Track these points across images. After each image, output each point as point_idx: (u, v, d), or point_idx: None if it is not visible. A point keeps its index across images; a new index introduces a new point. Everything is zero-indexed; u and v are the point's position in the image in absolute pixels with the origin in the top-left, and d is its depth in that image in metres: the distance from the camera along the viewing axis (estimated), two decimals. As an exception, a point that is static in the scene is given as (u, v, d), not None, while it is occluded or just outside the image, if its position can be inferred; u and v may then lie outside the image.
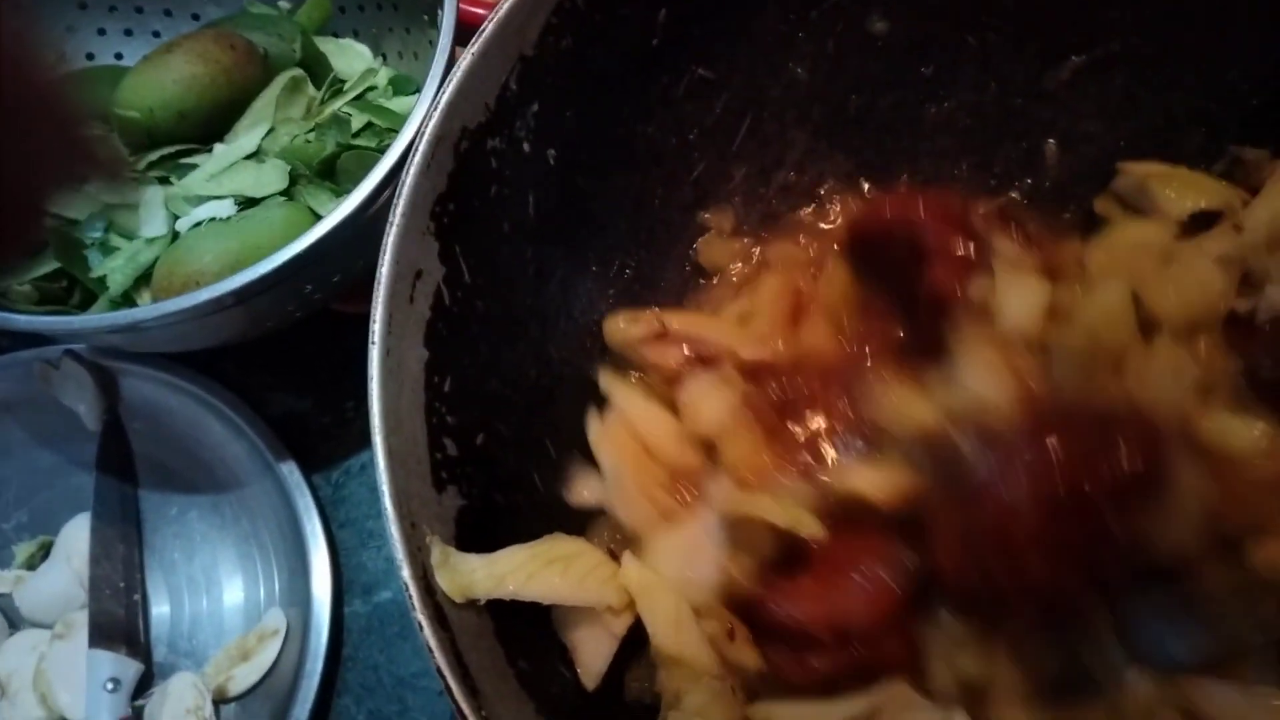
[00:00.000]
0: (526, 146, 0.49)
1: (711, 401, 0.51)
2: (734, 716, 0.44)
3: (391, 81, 0.78)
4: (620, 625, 0.44)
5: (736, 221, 0.61)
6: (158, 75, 0.72)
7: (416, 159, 0.44)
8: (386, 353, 0.42)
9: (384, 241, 0.43)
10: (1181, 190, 0.52)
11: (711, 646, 0.44)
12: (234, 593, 0.74)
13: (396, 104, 0.76)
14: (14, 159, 0.27)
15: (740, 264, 0.60)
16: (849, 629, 0.43)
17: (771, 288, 0.57)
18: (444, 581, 0.39)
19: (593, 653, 0.44)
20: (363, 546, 0.74)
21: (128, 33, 0.82)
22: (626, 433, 0.51)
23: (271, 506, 0.73)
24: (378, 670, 0.71)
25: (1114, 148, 0.57)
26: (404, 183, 0.44)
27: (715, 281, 0.60)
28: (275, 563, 0.73)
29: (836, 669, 0.44)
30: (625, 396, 0.53)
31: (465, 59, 0.45)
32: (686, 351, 0.53)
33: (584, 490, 0.51)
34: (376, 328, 0.42)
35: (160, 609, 0.74)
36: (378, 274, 0.42)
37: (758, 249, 0.60)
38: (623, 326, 0.54)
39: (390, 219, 0.43)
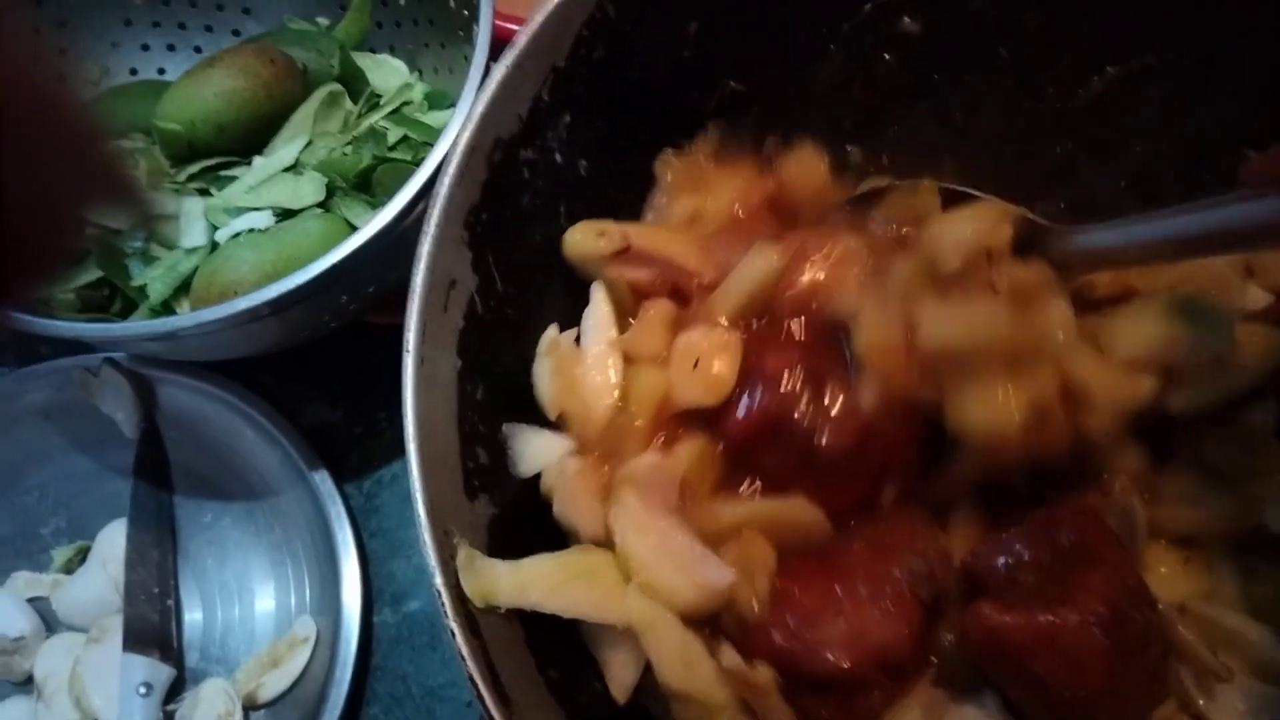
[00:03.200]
0: (559, 157, 0.50)
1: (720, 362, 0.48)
2: None
3: (427, 96, 0.79)
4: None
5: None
6: (199, 89, 0.74)
7: (451, 169, 0.44)
8: (420, 361, 0.42)
9: (418, 250, 0.43)
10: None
11: (748, 697, 0.43)
12: (265, 600, 0.74)
13: (432, 118, 0.77)
14: (39, 185, 0.27)
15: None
16: (897, 660, 0.43)
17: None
18: (467, 585, 0.39)
19: (622, 667, 0.43)
20: (393, 556, 0.74)
21: (170, 48, 0.84)
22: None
23: (304, 515, 0.73)
24: (406, 680, 0.71)
25: (1148, 162, 0.56)
26: (439, 193, 0.44)
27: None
28: (306, 571, 0.74)
29: (887, 701, 0.43)
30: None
31: (499, 70, 0.46)
32: (655, 277, 0.51)
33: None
34: (411, 336, 0.42)
35: (193, 615, 0.74)
36: (411, 283, 0.43)
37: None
38: (580, 239, 0.51)
39: (424, 228, 0.44)
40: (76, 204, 0.29)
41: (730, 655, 0.43)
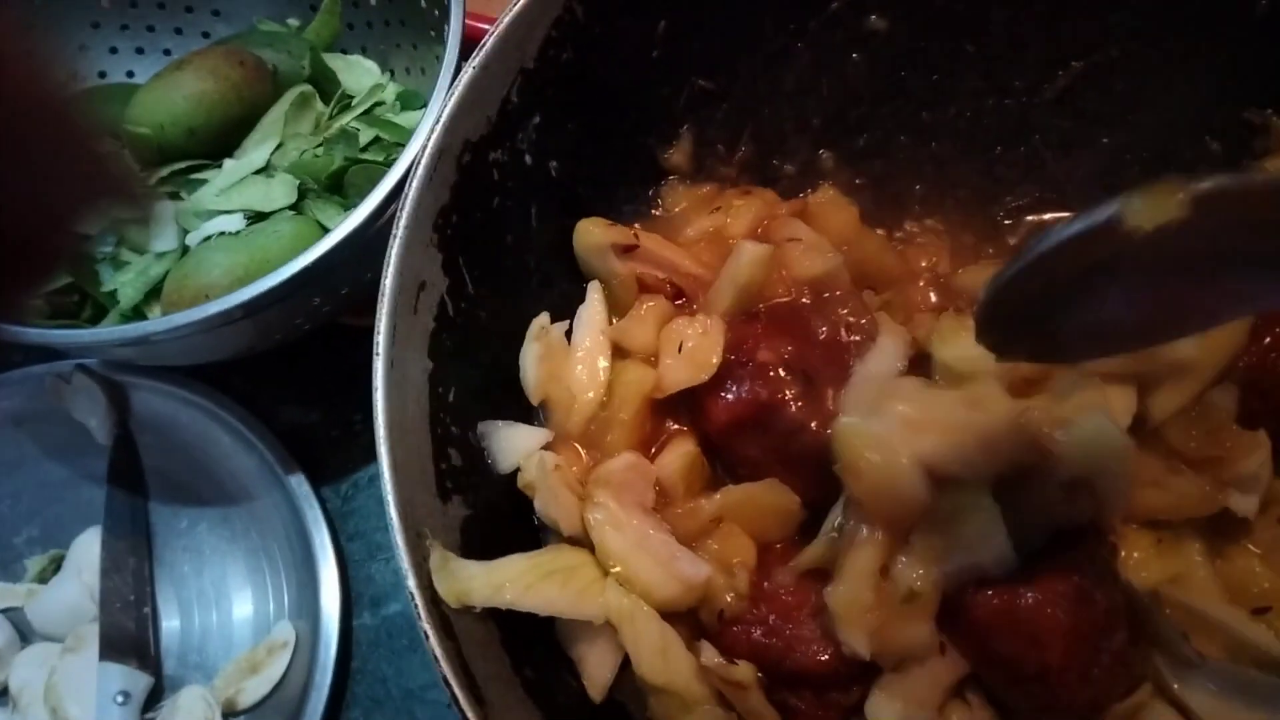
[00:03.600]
0: (528, 158, 0.50)
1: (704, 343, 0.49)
2: None
3: (399, 97, 0.79)
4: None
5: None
6: (168, 92, 0.73)
7: (419, 171, 0.44)
8: (391, 364, 0.42)
9: (388, 253, 0.43)
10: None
11: (736, 699, 0.44)
12: (243, 606, 0.74)
13: (404, 119, 0.76)
14: (34, 182, 0.27)
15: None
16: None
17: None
18: (441, 586, 0.40)
19: (597, 664, 0.44)
20: (371, 559, 0.74)
21: (139, 51, 0.84)
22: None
23: (281, 519, 0.73)
24: (386, 683, 0.71)
25: (1114, 153, 0.57)
26: (407, 195, 0.44)
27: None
28: (284, 575, 0.74)
29: (861, 698, 0.43)
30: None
31: (466, 72, 0.46)
32: (660, 275, 0.53)
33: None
34: (381, 339, 0.42)
35: (170, 622, 0.74)
36: (381, 285, 0.43)
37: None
38: (595, 231, 0.52)
39: (394, 231, 0.44)
40: (74, 202, 0.29)
41: (710, 652, 0.43)
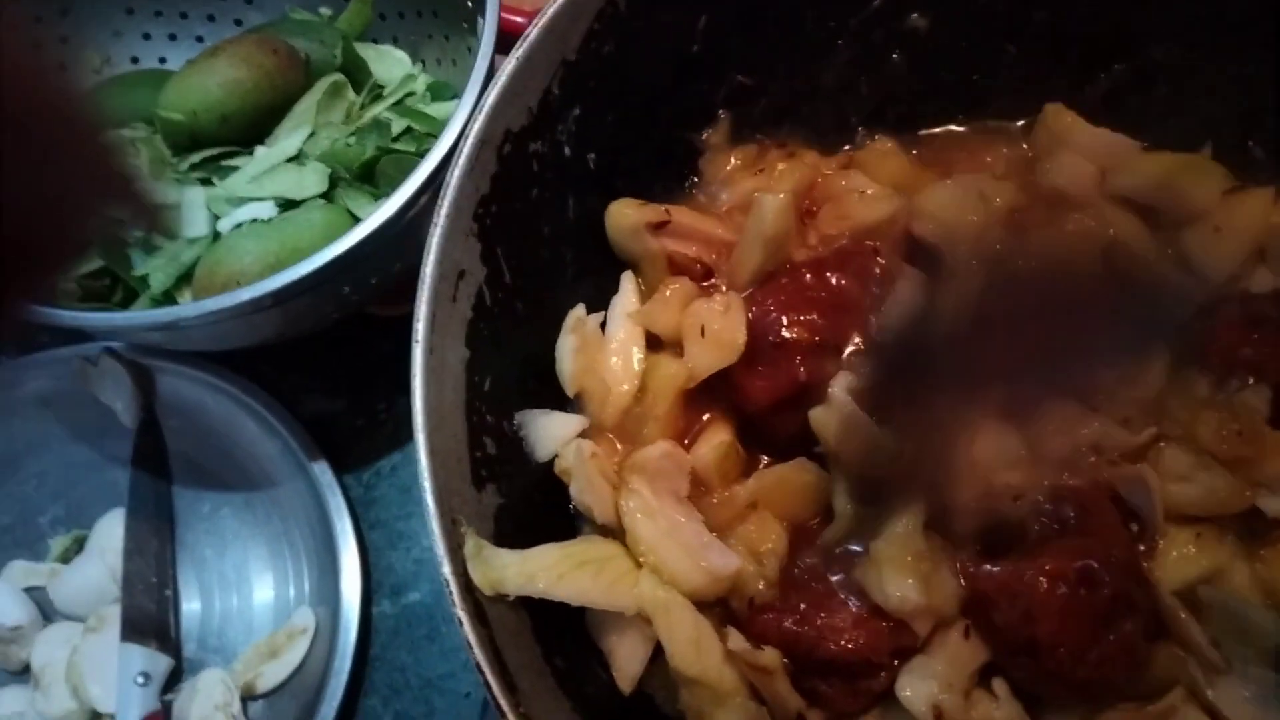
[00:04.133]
0: (568, 150, 0.50)
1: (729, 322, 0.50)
2: None
3: (430, 87, 0.79)
4: (654, 631, 0.43)
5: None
6: (201, 79, 0.73)
7: (461, 161, 0.44)
8: (429, 351, 0.42)
9: (428, 242, 0.43)
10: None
11: (757, 681, 0.44)
12: (264, 591, 0.74)
13: (435, 109, 0.77)
14: (41, 180, 0.27)
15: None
16: (904, 645, 0.44)
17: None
18: (476, 574, 0.40)
19: (628, 656, 0.44)
20: (392, 548, 0.74)
21: (172, 37, 0.84)
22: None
23: (303, 506, 0.73)
24: (405, 671, 0.71)
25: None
26: (448, 184, 0.44)
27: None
28: (305, 562, 0.74)
29: (889, 684, 0.43)
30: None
31: (510, 63, 0.46)
32: (691, 252, 0.53)
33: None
34: (420, 326, 0.42)
35: (191, 605, 0.74)
36: (421, 273, 0.43)
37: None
38: (628, 212, 0.52)
39: (434, 220, 0.44)
40: (83, 203, 0.29)
41: (736, 638, 0.44)
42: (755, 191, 0.53)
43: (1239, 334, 0.49)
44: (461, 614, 0.38)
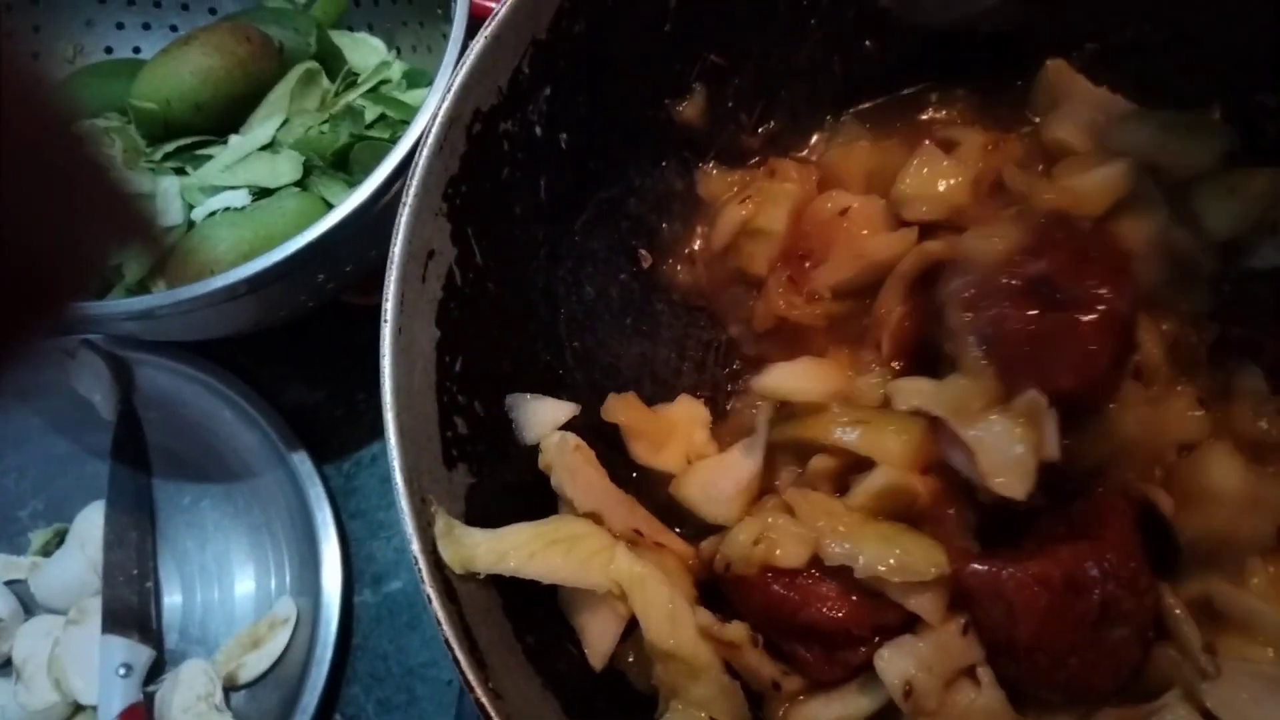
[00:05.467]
0: (539, 130, 0.50)
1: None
2: (739, 711, 0.45)
3: (405, 75, 0.79)
4: (626, 608, 0.43)
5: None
6: (174, 67, 0.73)
7: (430, 140, 0.44)
8: (398, 331, 0.42)
9: (397, 221, 0.43)
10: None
11: (732, 657, 0.44)
12: (245, 581, 0.74)
13: (410, 96, 0.76)
14: (46, 214, 0.27)
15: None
16: (887, 621, 0.44)
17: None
18: (446, 552, 0.40)
19: (599, 633, 0.44)
20: (373, 537, 0.74)
21: (145, 26, 0.83)
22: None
23: (283, 496, 0.73)
24: (387, 659, 0.71)
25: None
26: (417, 163, 0.44)
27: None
28: (286, 552, 0.74)
29: (868, 659, 0.44)
30: None
31: (478, 41, 0.45)
32: None
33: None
34: (389, 306, 0.42)
35: (172, 597, 0.74)
36: (390, 253, 0.43)
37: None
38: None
39: (403, 199, 0.43)
40: (91, 235, 0.29)
41: (704, 614, 0.44)
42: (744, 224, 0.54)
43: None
44: (430, 591, 0.38)
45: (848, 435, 0.47)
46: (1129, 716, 0.44)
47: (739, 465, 0.49)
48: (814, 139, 0.60)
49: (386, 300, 0.42)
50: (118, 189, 0.30)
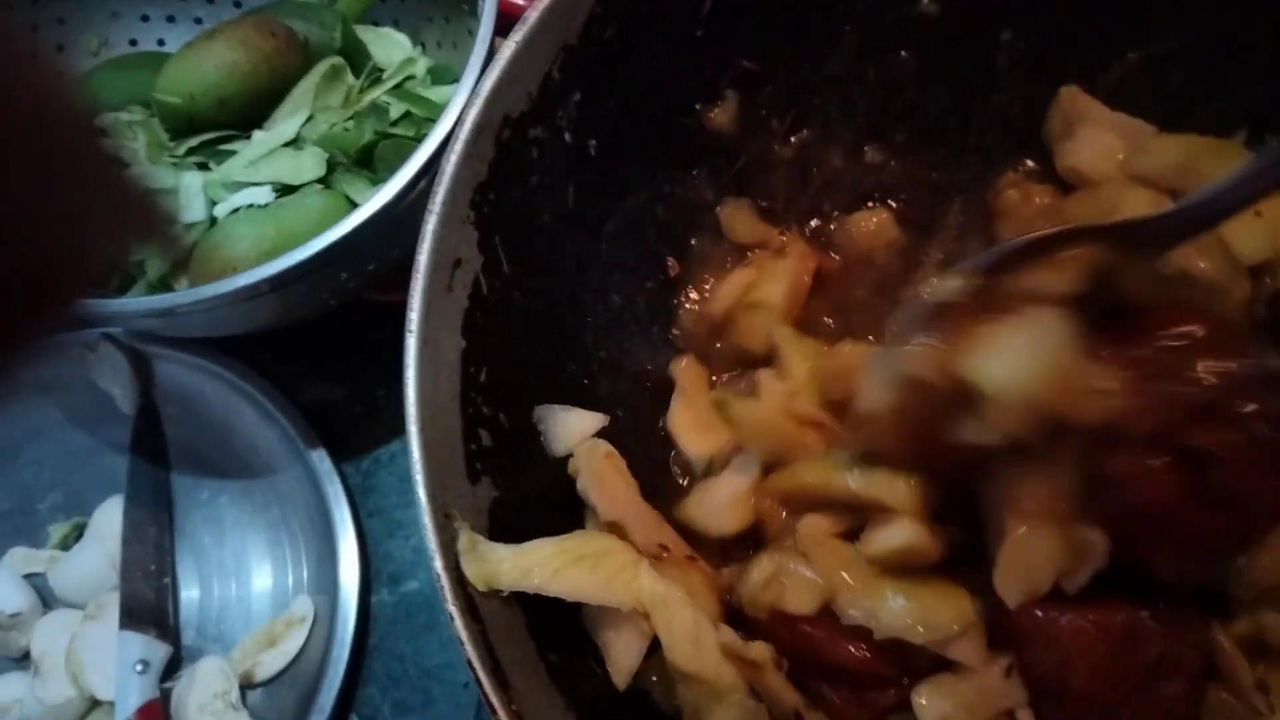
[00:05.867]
0: (568, 136, 0.49)
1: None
2: None
3: (430, 71, 0.78)
4: (650, 627, 0.43)
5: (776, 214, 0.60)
6: (199, 61, 0.72)
7: (458, 146, 0.43)
8: (424, 341, 0.41)
9: (423, 228, 0.42)
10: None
11: (753, 678, 0.43)
12: (262, 579, 0.74)
13: (434, 93, 0.75)
14: (64, 223, 0.27)
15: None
16: (918, 661, 0.43)
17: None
18: (469, 569, 0.39)
19: (623, 652, 0.43)
20: (390, 536, 0.74)
21: (170, 19, 0.83)
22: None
23: (301, 494, 0.73)
24: (403, 660, 0.71)
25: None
26: (445, 170, 0.43)
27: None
28: (304, 550, 0.74)
29: (897, 701, 0.43)
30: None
31: (509, 46, 0.45)
32: None
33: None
34: (414, 316, 0.41)
35: (189, 593, 0.74)
36: (415, 261, 0.42)
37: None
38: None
39: (430, 206, 0.43)
40: (97, 237, 0.29)
41: (727, 632, 0.43)
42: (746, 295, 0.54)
43: None
44: (454, 610, 0.37)
45: (854, 481, 0.44)
46: None
47: (733, 481, 0.49)
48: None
49: (412, 310, 0.41)
50: (131, 186, 0.29)
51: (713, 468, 0.52)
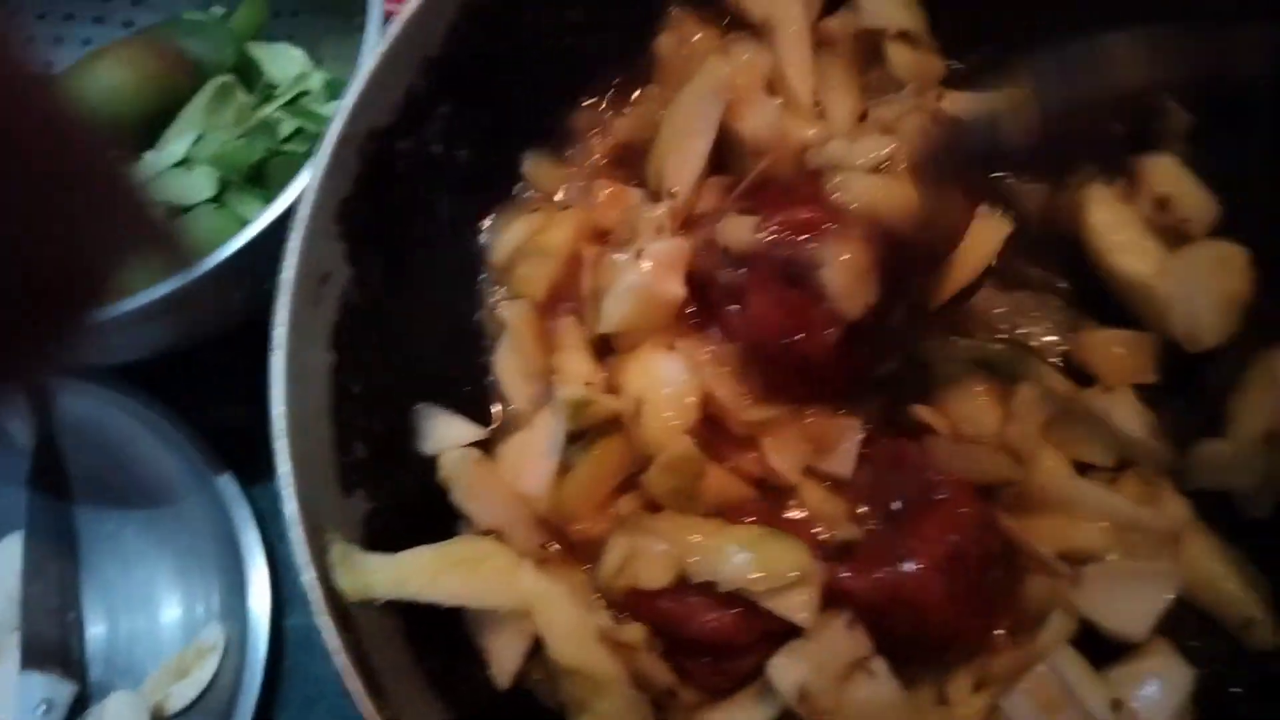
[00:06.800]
0: (437, 147, 0.49)
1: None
2: None
3: (327, 85, 0.77)
4: (532, 626, 0.43)
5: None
6: (85, 83, 0.71)
7: (321, 162, 0.44)
8: (290, 357, 0.42)
9: (287, 244, 0.43)
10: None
11: (623, 658, 0.44)
12: (171, 609, 0.73)
13: (329, 108, 0.75)
14: (78, 239, 0.27)
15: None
16: (772, 628, 0.44)
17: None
18: (342, 581, 0.39)
19: (505, 653, 0.44)
20: (303, 558, 0.73)
21: (58, 40, 0.81)
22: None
23: (209, 520, 0.72)
24: (319, 683, 0.70)
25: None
26: (309, 186, 0.43)
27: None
28: (213, 577, 0.72)
29: (756, 666, 0.44)
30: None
31: (369, 61, 0.45)
32: None
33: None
34: (279, 331, 0.42)
35: (96, 628, 0.72)
36: (280, 277, 0.42)
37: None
38: None
39: (293, 222, 0.43)
40: (115, 248, 0.28)
41: (602, 616, 0.44)
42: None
43: None
44: (325, 621, 0.37)
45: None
46: (1023, 648, 0.47)
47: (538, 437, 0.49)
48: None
49: (277, 326, 0.41)
50: (136, 196, 0.29)
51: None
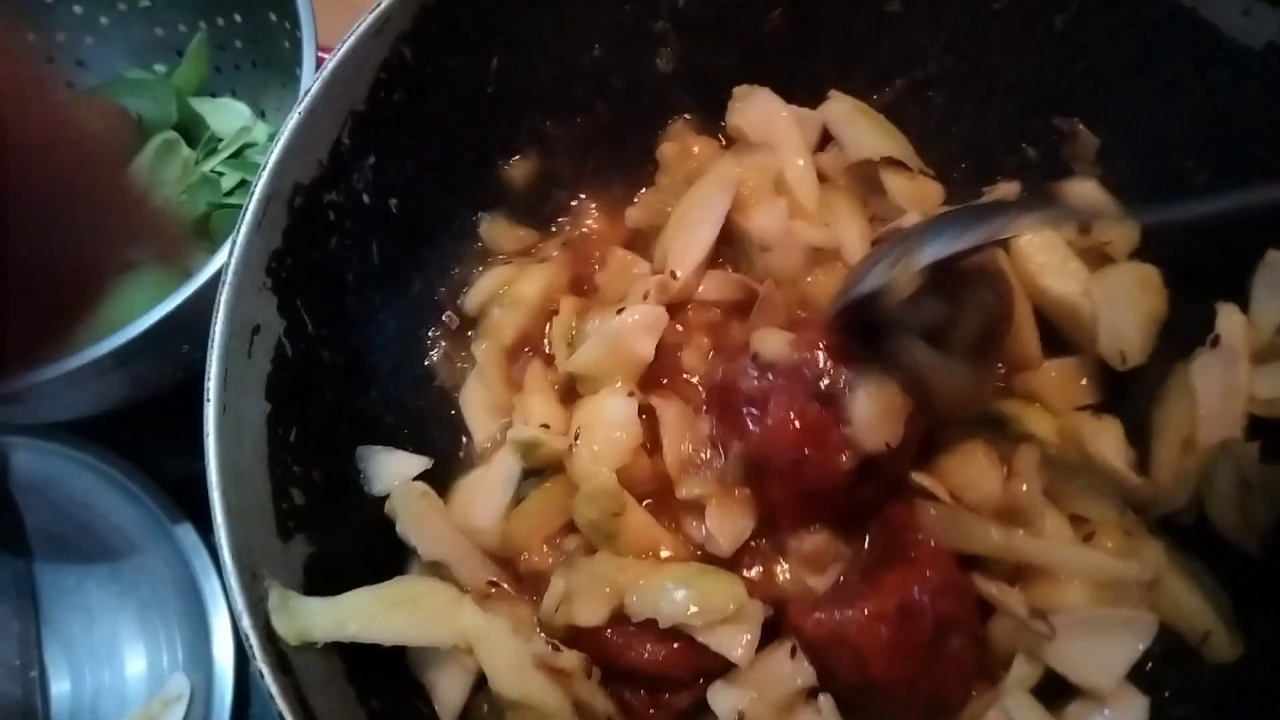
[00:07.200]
0: (366, 198, 0.51)
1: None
2: None
3: (271, 137, 0.78)
4: (475, 662, 0.44)
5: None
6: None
7: (247, 217, 0.45)
8: (223, 409, 0.43)
9: (217, 299, 0.44)
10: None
11: (564, 686, 0.45)
12: (136, 661, 0.73)
13: (273, 160, 0.76)
14: (75, 238, 0.27)
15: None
16: (706, 667, 0.45)
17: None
18: (280, 624, 0.40)
19: (448, 689, 0.45)
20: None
21: (2, 104, 0.82)
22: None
23: (170, 570, 0.72)
24: (286, 726, 0.70)
25: (941, 166, 0.59)
26: (237, 241, 0.45)
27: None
28: (177, 627, 0.73)
29: (695, 701, 0.45)
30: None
31: (292, 118, 0.46)
32: None
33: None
34: (211, 385, 0.43)
35: (60, 684, 0.72)
36: (211, 331, 0.43)
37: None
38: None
39: (223, 277, 0.44)
40: (112, 244, 0.29)
41: (538, 643, 0.45)
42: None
43: None
44: (262, 666, 0.38)
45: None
46: (987, 695, 0.47)
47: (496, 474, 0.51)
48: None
49: (209, 379, 0.42)
50: (139, 195, 0.30)
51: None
